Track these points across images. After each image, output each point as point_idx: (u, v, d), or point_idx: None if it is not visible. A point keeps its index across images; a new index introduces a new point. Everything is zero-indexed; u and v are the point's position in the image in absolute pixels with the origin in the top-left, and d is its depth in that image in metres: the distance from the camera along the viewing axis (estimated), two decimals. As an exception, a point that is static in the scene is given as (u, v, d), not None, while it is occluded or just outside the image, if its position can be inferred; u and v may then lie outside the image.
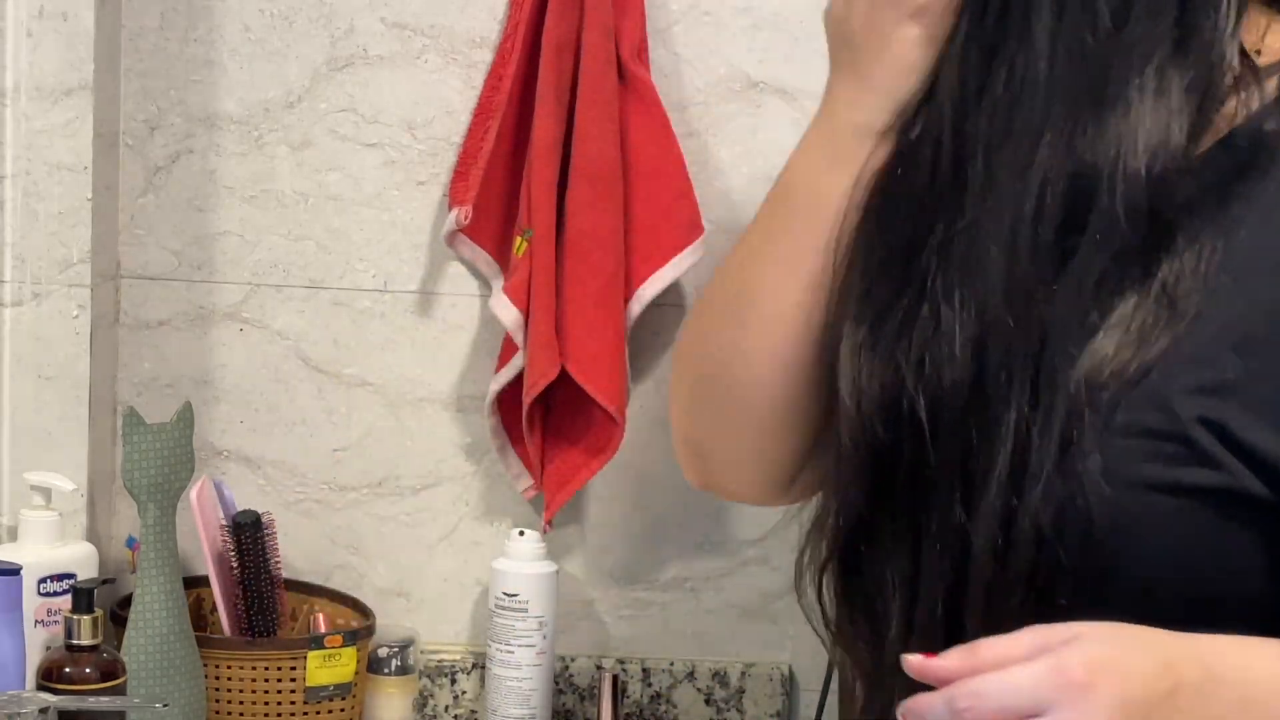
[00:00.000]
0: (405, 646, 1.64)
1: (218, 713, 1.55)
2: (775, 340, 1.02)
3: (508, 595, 1.62)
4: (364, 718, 1.63)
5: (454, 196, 1.66)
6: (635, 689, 1.73)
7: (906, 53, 0.95)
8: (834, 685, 1.69)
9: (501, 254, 1.66)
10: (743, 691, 1.73)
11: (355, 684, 1.59)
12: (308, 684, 1.56)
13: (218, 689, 1.55)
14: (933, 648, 0.83)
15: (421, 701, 1.71)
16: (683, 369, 1.16)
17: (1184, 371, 0.87)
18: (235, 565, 1.58)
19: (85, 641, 1.43)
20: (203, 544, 1.57)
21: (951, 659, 0.81)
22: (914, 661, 0.82)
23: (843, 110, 0.99)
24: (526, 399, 1.61)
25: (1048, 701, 0.79)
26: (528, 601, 1.62)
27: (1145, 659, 0.81)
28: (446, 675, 1.72)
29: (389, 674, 1.63)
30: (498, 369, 1.66)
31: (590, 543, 1.73)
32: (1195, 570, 0.87)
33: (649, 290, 1.64)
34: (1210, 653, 0.83)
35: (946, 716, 0.80)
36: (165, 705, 1.42)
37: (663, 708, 1.73)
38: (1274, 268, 0.88)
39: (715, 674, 1.73)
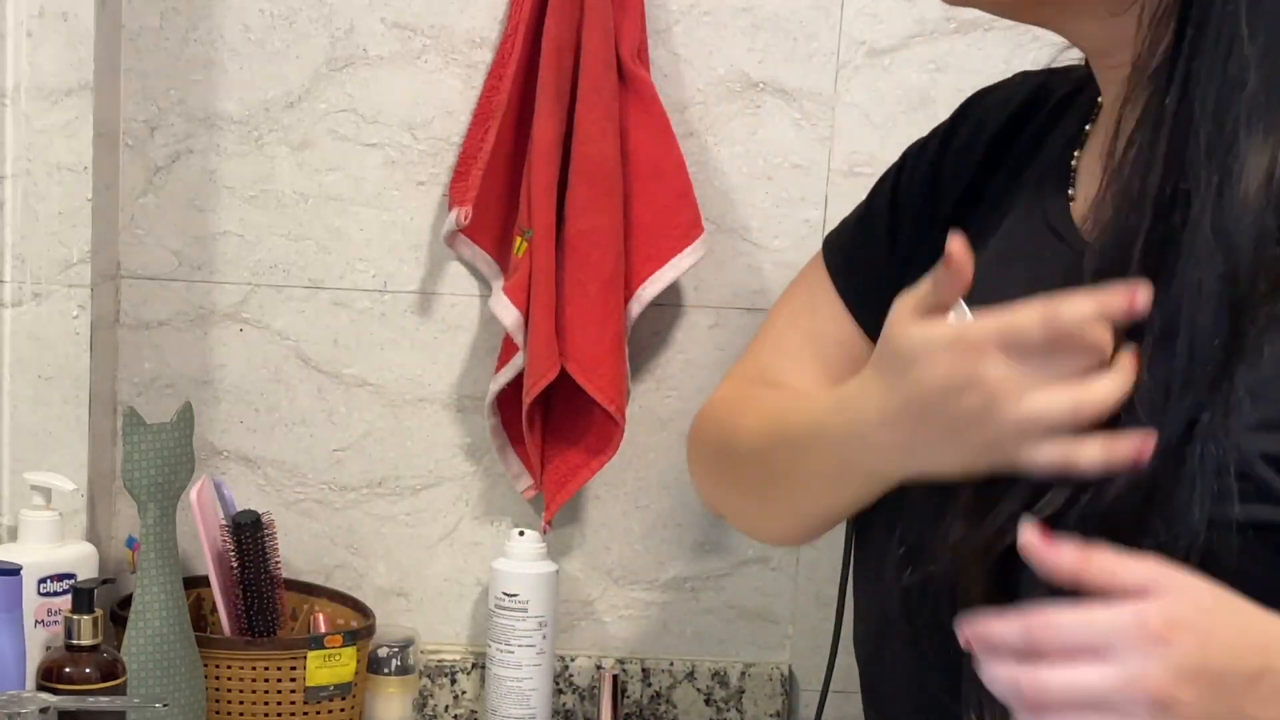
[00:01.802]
0: (405, 646, 1.64)
1: (218, 713, 1.55)
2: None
3: (508, 595, 1.62)
4: (364, 718, 1.63)
5: (454, 197, 1.66)
6: (635, 689, 1.73)
7: (1000, 461, 0.88)
8: (834, 685, 1.69)
9: (501, 254, 1.66)
10: (743, 691, 1.74)
11: (355, 684, 1.59)
12: (308, 684, 1.56)
13: (218, 689, 1.55)
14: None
15: (421, 701, 1.71)
16: (700, 445, 1.17)
17: (1248, 407, 0.86)
18: (235, 565, 1.58)
19: (85, 641, 1.43)
20: (203, 544, 1.57)
21: (1066, 555, 0.80)
22: (1032, 538, 0.81)
23: (874, 457, 0.94)
24: (526, 399, 1.61)
25: (1118, 646, 0.78)
26: (528, 601, 1.62)
27: (1237, 633, 0.80)
28: (446, 675, 1.73)
29: (389, 674, 1.63)
30: (498, 369, 1.66)
31: (590, 543, 1.74)
32: (1264, 605, 0.85)
33: (649, 290, 1.64)
34: None
35: (1018, 643, 0.79)
36: (165, 705, 1.42)
37: (663, 708, 1.73)
38: None
39: (715, 674, 1.73)
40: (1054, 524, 0.86)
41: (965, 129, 1.15)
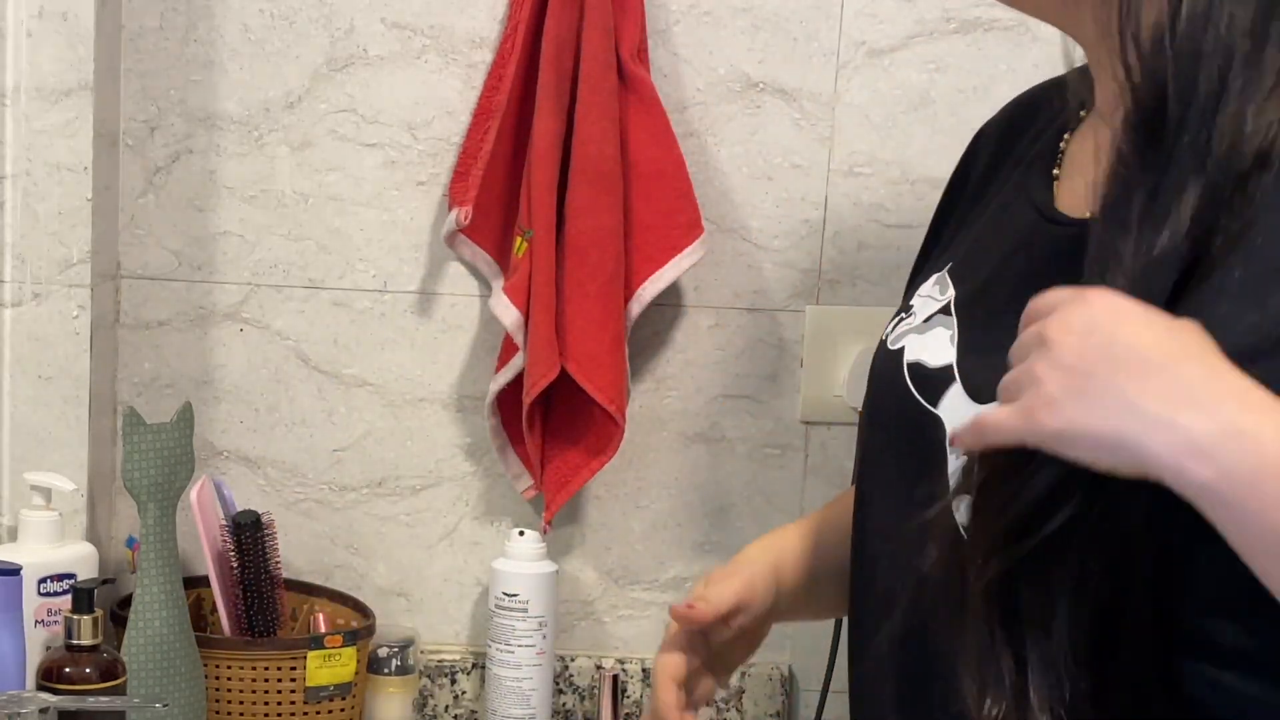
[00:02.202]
0: (405, 646, 1.64)
1: (218, 713, 1.55)
2: None
3: (508, 595, 1.62)
4: (364, 718, 1.63)
5: (454, 197, 1.66)
6: (635, 689, 1.73)
7: None
8: (834, 685, 1.69)
9: (501, 254, 1.66)
10: (743, 691, 1.73)
11: (355, 684, 1.59)
12: (308, 684, 1.56)
13: (218, 689, 1.55)
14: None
15: (421, 701, 1.71)
16: None
17: None
18: (235, 565, 1.58)
19: (85, 641, 1.43)
20: (203, 544, 1.57)
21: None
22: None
23: None
24: (526, 399, 1.61)
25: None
26: (528, 601, 1.62)
27: (1148, 328, 0.83)
28: (446, 675, 1.72)
29: (389, 674, 1.63)
30: (498, 369, 1.66)
31: (590, 543, 1.74)
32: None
33: (649, 290, 1.64)
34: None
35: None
36: (165, 705, 1.42)
37: (663, 708, 1.73)
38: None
39: (715, 674, 1.73)
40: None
41: (966, 162, 1.20)
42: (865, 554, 1.11)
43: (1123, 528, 0.87)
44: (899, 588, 1.02)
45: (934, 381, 1.03)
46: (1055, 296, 0.86)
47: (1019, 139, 1.13)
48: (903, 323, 1.09)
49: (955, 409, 1.00)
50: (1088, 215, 0.96)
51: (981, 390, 0.99)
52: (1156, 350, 0.81)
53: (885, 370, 1.08)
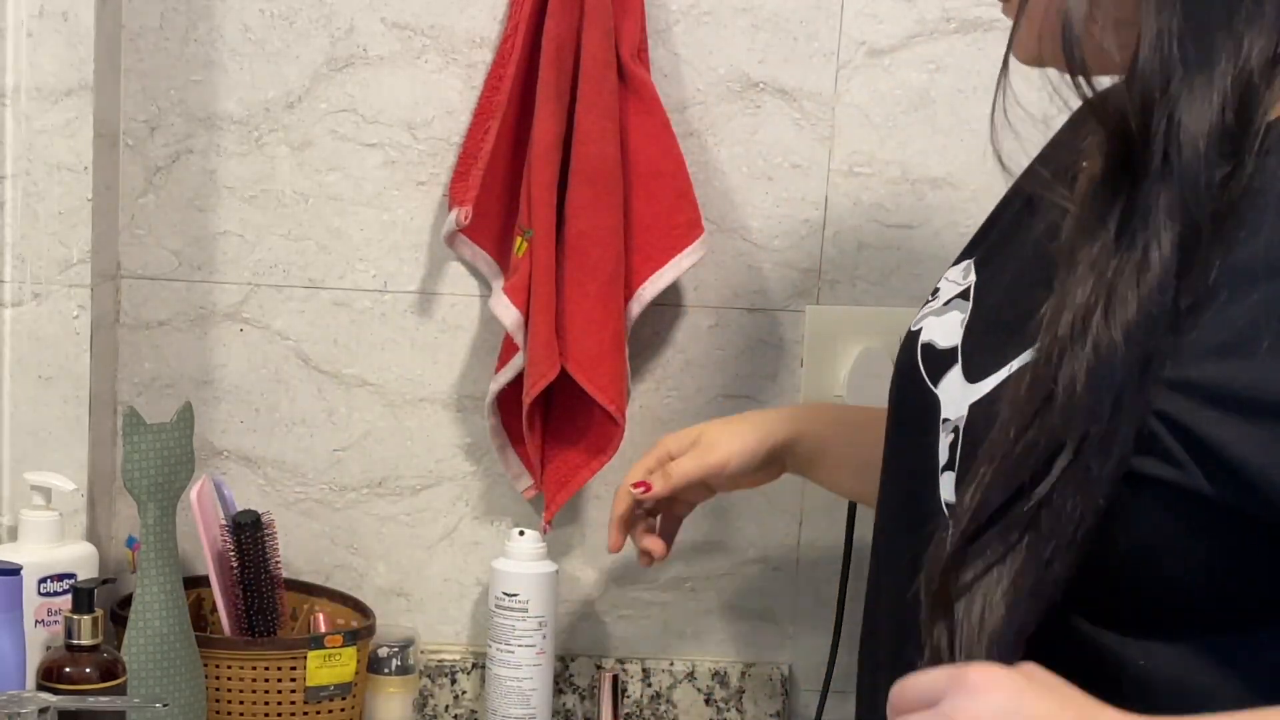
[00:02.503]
0: (405, 646, 1.64)
1: (218, 713, 1.55)
2: None
3: (508, 595, 1.62)
4: (364, 718, 1.63)
5: (454, 197, 1.66)
6: (635, 689, 1.73)
7: None
8: (834, 685, 1.69)
9: (501, 254, 1.66)
10: (743, 691, 1.73)
11: (355, 684, 1.59)
12: (308, 684, 1.56)
13: (218, 689, 1.55)
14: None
15: (421, 701, 1.71)
16: None
17: (1168, 366, 0.88)
18: (235, 565, 1.58)
19: (85, 641, 1.43)
20: (203, 544, 1.57)
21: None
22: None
23: None
24: (526, 399, 1.61)
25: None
26: (528, 601, 1.62)
27: (1054, 704, 0.84)
28: (446, 675, 1.72)
29: (389, 674, 1.63)
30: (498, 369, 1.66)
31: (590, 543, 1.74)
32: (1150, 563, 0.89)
33: (649, 290, 1.64)
34: None
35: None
36: (165, 705, 1.42)
37: (663, 708, 1.73)
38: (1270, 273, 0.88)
39: (715, 674, 1.73)
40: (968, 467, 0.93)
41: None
42: (877, 529, 1.12)
43: (1090, 523, 0.88)
44: (900, 574, 1.03)
45: (940, 362, 1.04)
46: (932, 680, 0.86)
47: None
48: (927, 305, 1.12)
49: (950, 389, 1.02)
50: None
51: (973, 371, 1.00)
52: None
53: (905, 351, 1.10)
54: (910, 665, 0.90)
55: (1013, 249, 1.08)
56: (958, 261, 1.17)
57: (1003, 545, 0.89)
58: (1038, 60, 1.03)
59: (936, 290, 1.12)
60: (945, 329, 1.06)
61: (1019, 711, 0.83)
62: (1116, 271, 0.89)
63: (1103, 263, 0.90)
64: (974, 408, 0.99)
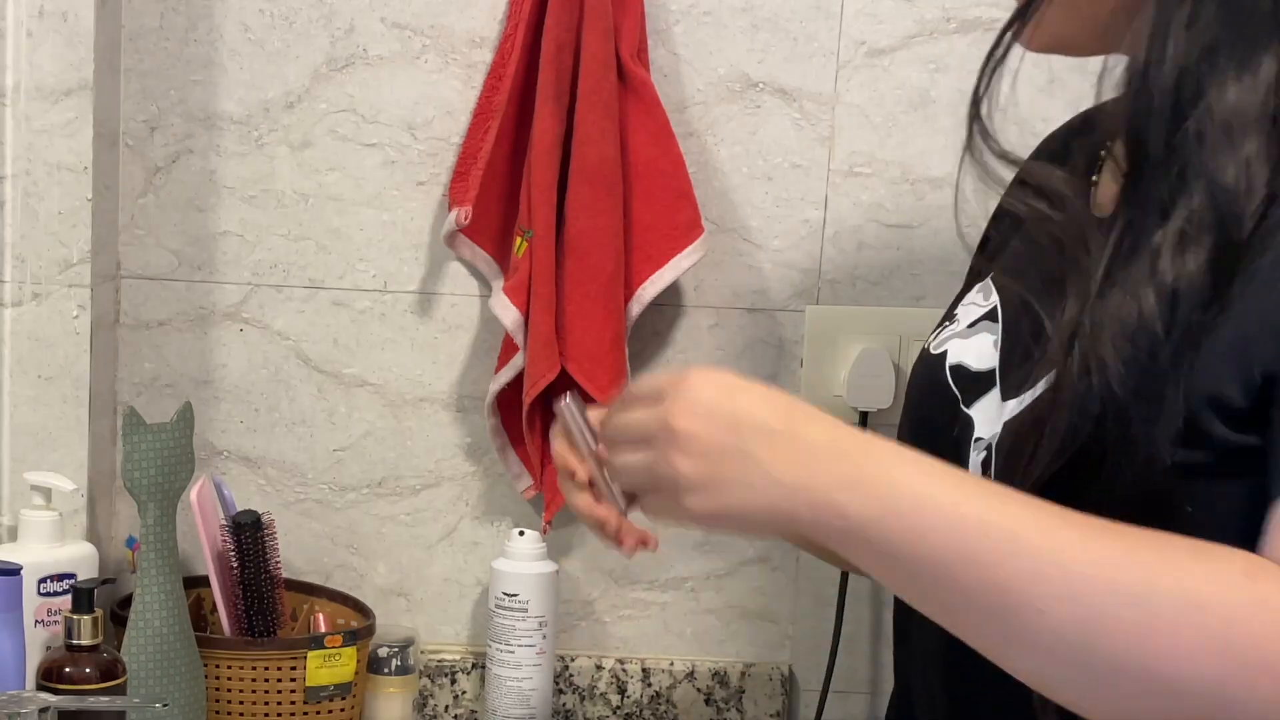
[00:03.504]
0: (405, 646, 1.64)
1: (218, 713, 1.55)
2: None
3: (508, 595, 1.62)
4: (364, 718, 1.63)
5: (454, 197, 1.66)
6: (635, 689, 1.73)
7: None
8: (834, 685, 1.69)
9: (501, 254, 1.66)
10: (743, 691, 1.73)
11: (355, 684, 1.59)
12: (308, 684, 1.56)
13: (218, 689, 1.55)
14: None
15: (421, 701, 1.71)
16: None
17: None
18: (235, 565, 1.58)
19: (85, 641, 1.43)
20: (203, 544, 1.57)
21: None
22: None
23: None
24: (526, 399, 1.61)
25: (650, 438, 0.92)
26: (528, 601, 1.62)
27: (758, 401, 0.90)
28: (446, 675, 1.72)
29: (389, 674, 1.63)
30: (498, 369, 1.66)
31: (590, 543, 1.73)
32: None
33: (649, 290, 1.64)
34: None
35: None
36: (165, 705, 1.42)
37: (663, 708, 1.73)
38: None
39: (715, 674, 1.73)
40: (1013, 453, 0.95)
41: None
42: None
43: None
44: None
45: (975, 384, 1.05)
46: (657, 381, 0.92)
47: (1071, 154, 1.14)
48: (945, 329, 1.12)
49: (986, 410, 1.03)
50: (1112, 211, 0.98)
51: (1008, 390, 1.02)
52: (774, 418, 0.89)
53: (926, 373, 1.11)
54: (956, 665, 0.91)
55: (1023, 262, 1.08)
56: (969, 283, 1.18)
57: None
58: (1058, 45, 1.04)
59: (954, 315, 1.13)
60: (978, 351, 1.07)
61: (729, 403, 0.89)
62: (1138, 278, 0.89)
63: (1126, 270, 0.90)
64: (1008, 425, 0.99)
